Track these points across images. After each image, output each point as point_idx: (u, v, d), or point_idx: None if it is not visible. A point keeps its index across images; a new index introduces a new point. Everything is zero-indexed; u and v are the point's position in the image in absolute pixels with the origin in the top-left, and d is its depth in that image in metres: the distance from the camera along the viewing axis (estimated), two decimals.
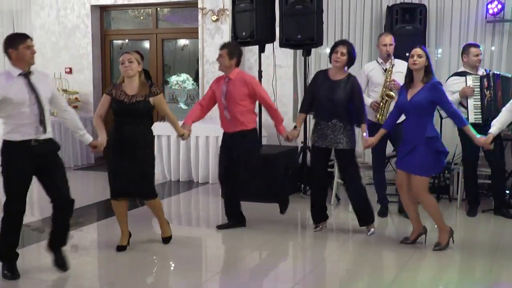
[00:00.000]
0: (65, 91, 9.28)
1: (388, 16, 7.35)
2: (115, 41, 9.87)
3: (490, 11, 7.07)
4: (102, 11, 9.68)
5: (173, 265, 4.80)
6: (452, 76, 6.22)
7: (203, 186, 7.79)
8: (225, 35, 8.43)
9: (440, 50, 7.59)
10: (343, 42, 5.30)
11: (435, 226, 5.10)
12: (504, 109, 4.99)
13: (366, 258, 4.90)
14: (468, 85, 5.93)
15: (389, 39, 6.02)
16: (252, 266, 4.85)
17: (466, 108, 5.93)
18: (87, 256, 4.97)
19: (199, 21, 8.66)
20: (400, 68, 5.92)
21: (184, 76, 9.55)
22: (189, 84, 9.53)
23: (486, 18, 7.22)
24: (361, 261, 4.88)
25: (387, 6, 7.44)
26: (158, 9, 9.42)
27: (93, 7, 9.47)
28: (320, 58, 8.01)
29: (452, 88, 6.00)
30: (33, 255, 4.94)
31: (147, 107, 4.79)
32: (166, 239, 5.14)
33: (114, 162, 4.82)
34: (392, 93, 5.79)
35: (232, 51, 5.41)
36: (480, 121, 5.83)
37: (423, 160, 4.81)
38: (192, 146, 7.86)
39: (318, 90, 5.29)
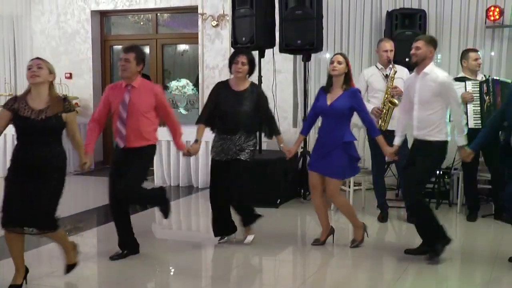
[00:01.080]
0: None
1: (388, 21, 7.36)
2: (115, 46, 9.88)
3: (490, 17, 7.08)
4: (102, 16, 9.70)
5: (172, 270, 4.80)
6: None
7: (203, 191, 7.77)
8: (225, 41, 8.45)
9: (439, 56, 7.59)
10: (242, 52, 5.13)
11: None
12: (399, 113, 5.11)
13: (366, 264, 4.89)
14: (467, 90, 5.94)
15: (389, 45, 6.03)
16: (252, 271, 4.84)
17: (466, 113, 5.93)
18: (86, 262, 4.95)
19: (199, 27, 8.68)
20: (400, 74, 5.94)
21: (184, 81, 9.56)
22: (189, 89, 9.54)
23: (485, 23, 7.24)
24: (361, 267, 4.87)
25: (387, 11, 7.46)
26: (158, 14, 9.44)
27: (93, 12, 9.49)
28: (320, 63, 8.02)
29: None
30: (33, 260, 4.93)
31: (60, 124, 4.07)
32: (70, 267, 4.40)
33: (14, 186, 4.02)
34: (395, 100, 5.79)
35: (140, 56, 4.77)
36: (480, 126, 5.82)
37: (339, 164, 4.97)
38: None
39: (222, 103, 5.01)
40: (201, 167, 7.85)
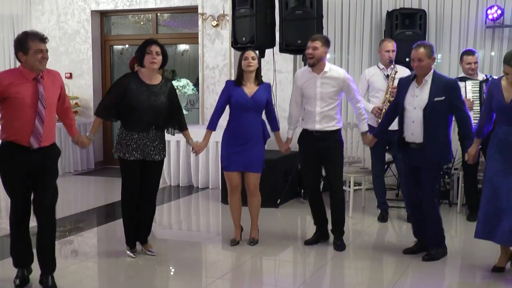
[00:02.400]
0: None
1: (388, 21, 7.36)
2: (115, 46, 9.89)
3: (490, 17, 7.09)
4: (102, 16, 9.70)
5: (173, 270, 4.80)
6: None
7: (203, 191, 7.79)
8: (225, 41, 8.45)
9: (440, 55, 7.60)
10: (155, 42, 4.70)
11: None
12: (290, 108, 5.34)
13: (366, 264, 4.89)
14: (467, 90, 5.94)
15: (391, 45, 6.05)
16: (252, 271, 4.84)
17: None
18: (87, 262, 4.96)
19: (199, 26, 8.68)
20: (401, 74, 5.93)
21: (184, 81, 9.56)
22: (189, 89, 9.54)
23: (485, 23, 7.24)
24: (361, 266, 4.87)
25: (387, 11, 7.46)
26: (158, 14, 9.44)
27: (94, 12, 9.49)
28: None
29: None
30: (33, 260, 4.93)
31: None
32: None
33: None
34: None
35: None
36: None
37: (261, 157, 5.14)
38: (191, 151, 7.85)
39: (136, 97, 4.61)
40: (201, 167, 7.86)
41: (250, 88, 5.09)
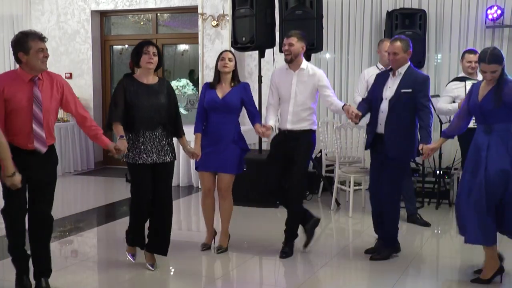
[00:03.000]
0: None
1: (388, 21, 7.37)
2: (115, 46, 9.90)
3: (490, 17, 7.10)
4: (102, 16, 9.70)
5: (173, 270, 4.80)
6: (452, 81, 6.23)
7: None
8: (225, 41, 8.45)
9: (440, 55, 7.60)
10: (151, 42, 4.63)
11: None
12: (268, 104, 5.22)
13: (366, 263, 4.89)
14: (467, 90, 5.93)
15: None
16: (252, 271, 4.85)
17: None
18: (87, 261, 4.96)
19: (199, 27, 8.68)
20: None
21: (184, 81, 9.57)
22: (189, 89, 9.54)
23: (485, 23, 7.24)
24: (360, 267, 4.87)
25: (387, 11, 7.46)
26: (158, 14, 9.45)
27: (93, 12, 9.50)
28: (320, 63, 8.02)
29: (452, 93, 6.00)
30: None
31: None
32: None
33: None
34: None
35: None
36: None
37: (235, 158, 5.02)
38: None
39: (135, 97, 4.50)
40: None
41: (222, 90, 5.02)
